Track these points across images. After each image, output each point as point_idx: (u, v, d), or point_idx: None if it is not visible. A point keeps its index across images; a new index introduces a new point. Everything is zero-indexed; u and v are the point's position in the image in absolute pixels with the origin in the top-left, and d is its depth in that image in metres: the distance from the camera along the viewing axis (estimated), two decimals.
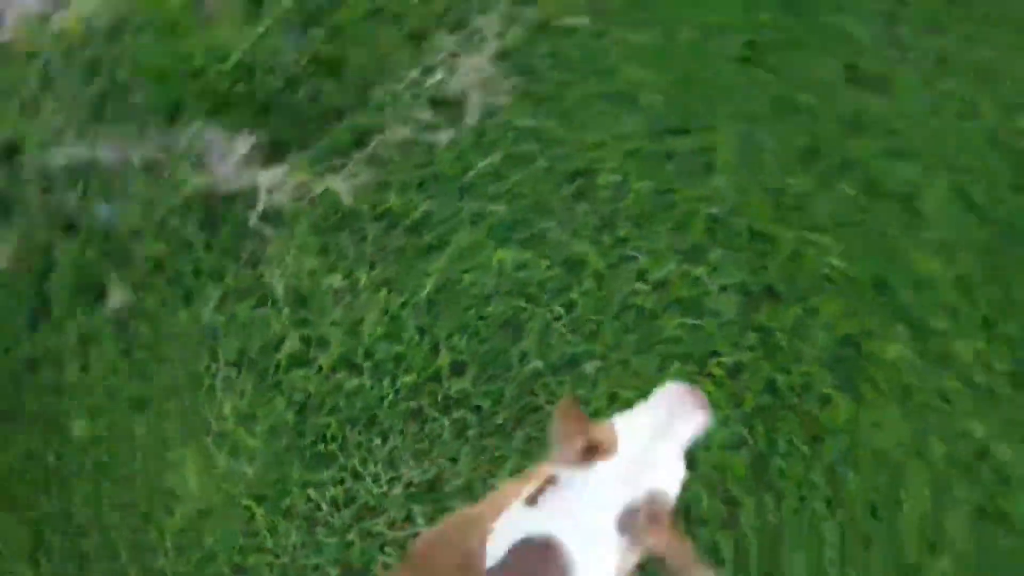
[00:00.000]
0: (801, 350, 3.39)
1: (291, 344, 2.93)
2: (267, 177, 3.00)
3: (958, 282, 3.68)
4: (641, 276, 3.40)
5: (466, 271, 3.31)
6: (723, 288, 3.41)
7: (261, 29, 3.14)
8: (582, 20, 3.74)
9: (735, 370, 3.28)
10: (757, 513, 3.07)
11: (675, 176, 3.68)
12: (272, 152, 3.12)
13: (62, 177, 2.96)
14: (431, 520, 2.81)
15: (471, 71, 3.46)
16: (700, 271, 3.47)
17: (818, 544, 3.10)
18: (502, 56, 3.60)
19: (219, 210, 3.02)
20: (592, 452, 1.58)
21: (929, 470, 3.30)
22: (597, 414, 3.02)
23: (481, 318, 3.21)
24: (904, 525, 3.19)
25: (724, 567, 2.97)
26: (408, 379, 2.97)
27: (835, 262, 3.57)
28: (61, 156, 2.94)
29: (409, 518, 2.78)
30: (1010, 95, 4.15)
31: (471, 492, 2.83)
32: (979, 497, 3.32)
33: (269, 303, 2.98)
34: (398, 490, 2.81)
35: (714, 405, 3.02)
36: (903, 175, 3.80)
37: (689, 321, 3.33)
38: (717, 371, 3.28)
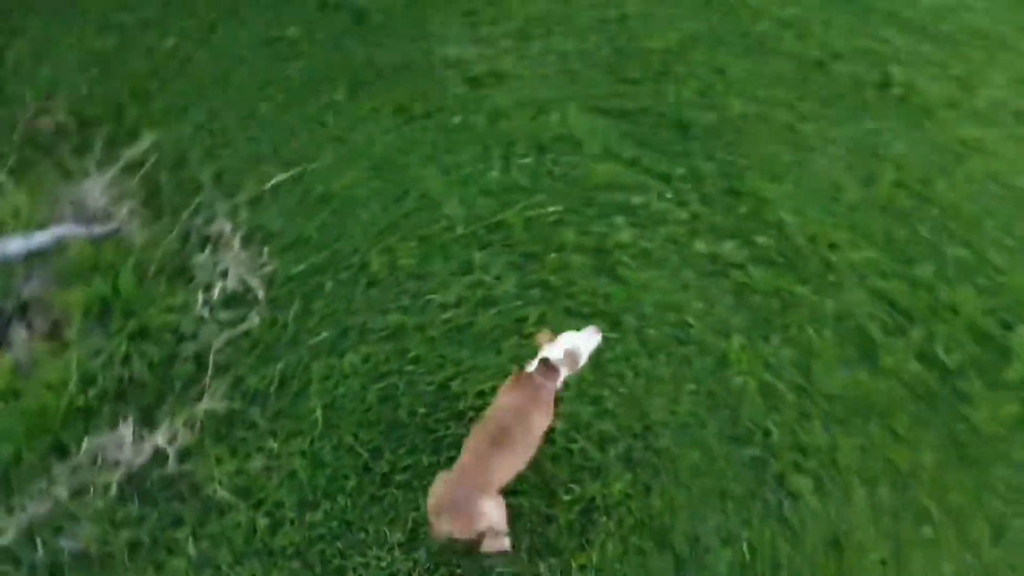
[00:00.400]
0: (570, 278, 4.59)
1: (262, 522, 3.76)
2: (162, 436, 3.77)
3: (631, 164, 5.04)
4: (444, 308, 4.46)
5: (335, 388, 4.21)
6: (497, 277, 4.54)
7: (74, 349, 3.89)
8: (283, 175, 4.70)
9: (540, 320, 4.43)
10: (614, 390, 4.24)
11: (416, 228, 4.74)
12: (149, 418, 3.89)
13: (18, 546, 3.58)
14: (434, 555, 3.77)
15: (234, 264, 4.34)
16: (477, 275, 4.57)
17: (659, 380, 4.32)
18: (247, 238, 4.50)
19: (146, 482, 3.76)
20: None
21: (679, 281, 4.63)
22: (477, 411, 4.07)
23: (367, 411, 4.15)
24: (694, 332, 4.50)
25: (621, 440, 4.12)
26: (351, 483, 3.89)
27: (552, 208, 4.80)
28: (4, 539, 3.56)
29: (416, 563, 3.73)
30: (584, 24, 5.57)
31: None
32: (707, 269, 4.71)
33: (227, 509, 3.78)
34: (397, 554, 3.74)
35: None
36: (549, 124, 5.10)
37: (491, 311, 4.44)
38: (531, 328, 4.41)
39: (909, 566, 4.06)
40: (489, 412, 3.69)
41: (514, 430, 3.57)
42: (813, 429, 4.35)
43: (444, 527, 3.51)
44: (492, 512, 3.52)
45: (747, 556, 3.96)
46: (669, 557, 3.90)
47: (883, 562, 4.07)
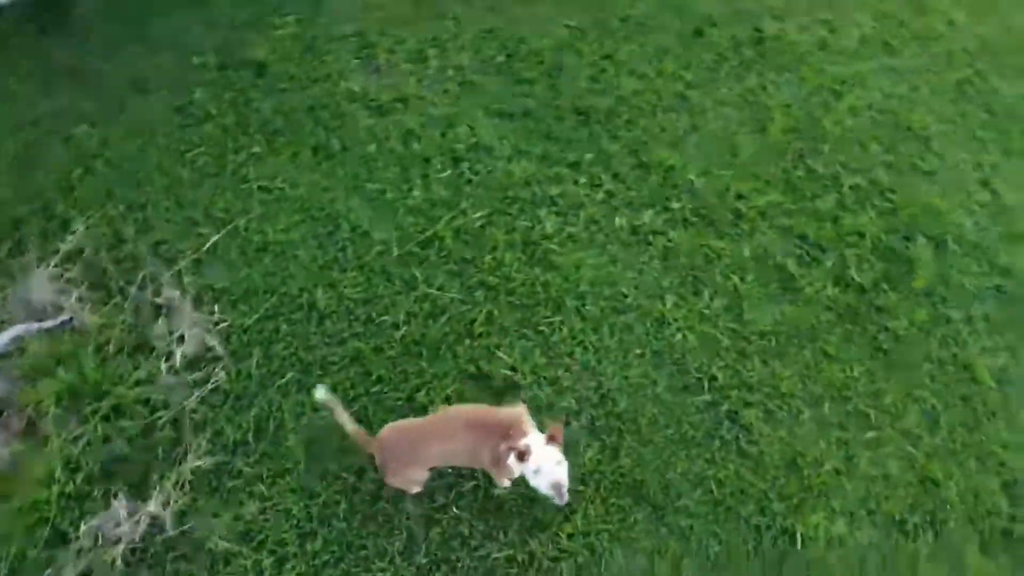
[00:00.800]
0: (507, 274, 4.85)
1: (267, 562, 3.97)
2: (155, 503, 3.96)
3: (542, 159, 5.34)
4: (396, 326, 4.69)
5: (310, 422, 4.38)
6: (440, 288, 4.80)
7: (54, 441, 4.07)
8: (218, 234, 4.90)
9: (488, 320, 4.71)
10: (568, 368, 4.56)
11: (354, 258, 4.94)
12: (140, 489, 4.07)
13: None
14: (433, 553, 4.05)
15: (189, 327, 4.53)
16: (421, 290, 4.81)
17: (607, 350, 4.64)
18: (197, 300, 4.69)
19: (150, 550, 3.94)
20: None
21: (608, 257, 4.98)
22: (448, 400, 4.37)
23: (344, 437, 4.32)
24: (630, 301, 4.85)
25: (583, 412, 4.44)
26: (343, 507, 4.11)
27: (477, 214, 5.07)
28: None
29: (418, 568, 4.00)
30: (473, 36, 5.86)
31: (428, 526, 4.11)
32: None
33: (232, 557, 3.98)
34: (398, 562, 4.01)
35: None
36: (460, 136, 5.39)
37: (441, 320, 4.69)
38: (480, 328, 4.69)
39: (860, 468, 4.47)
40: (479, 411, 3.97)
41: (466, 443, 3.83)
42: (753, 365, 4.73)
43: (375, 456, 3.89)
44: (412, 476, 3.94)
45: (716, 492, 4.33)
46: (647, 508, 4.24)
47: (837, 471, 4.48)
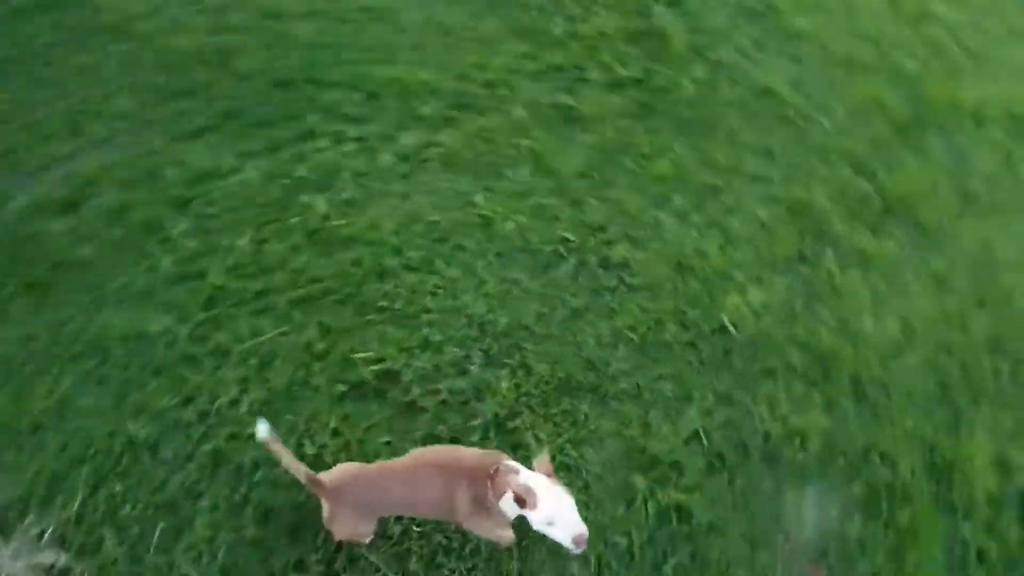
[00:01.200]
0: (312, 276, 4.24)
1: None
2: None
3: (270, 149, 4.70)
4: (235, 403, 3.94)
5: (213, 556, 3.62)
6: (254, 335, 4.10)
7: None
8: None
9: (325, 333, 4.09)
10: (431, 323, 4.05)
11: (144, 369, 4.08)
12: None
13: None
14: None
15: (7, 564, 3.61)
16: (235, 349, 4.06)
17: (453, 283, 4.16)
18: (1, 530, 3.72)
19: None
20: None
21: (396, 198, 4.47)
22: (346, 448, 3.73)
23: (256, 545, 3.63)
24: (445, 224, 4.37)
25: (471, 352, 3.95)
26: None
27: (241, 242, 4.37)
28: None
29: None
30: (118, 75, 5.01)
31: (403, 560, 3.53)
32: None
33: None
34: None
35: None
36: (172, 179, 4.61)
37: (276, 364, 4.01)
38: (320, 345, 4.06)
39: (737, 233, 4.36)
40: (451, 451, 3.30)
41: (438, 489, 3.11)
42: (592, 206, 4.49)
43: (323, 506, 3.23)
44: (362, 528, 3.32)
45: (635, 338, 4.04)
46: (586, 396, 3.91)
47: (721, 248, 4.31)
